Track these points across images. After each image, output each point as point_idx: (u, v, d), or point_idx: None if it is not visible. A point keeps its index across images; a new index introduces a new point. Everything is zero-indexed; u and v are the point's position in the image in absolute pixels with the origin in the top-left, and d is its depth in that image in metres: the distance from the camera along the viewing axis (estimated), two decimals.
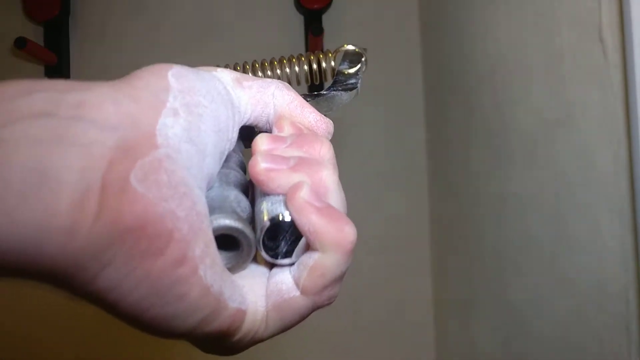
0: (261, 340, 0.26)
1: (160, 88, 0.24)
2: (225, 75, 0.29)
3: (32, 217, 0.19)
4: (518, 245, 0.67)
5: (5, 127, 0.20)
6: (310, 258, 0.25)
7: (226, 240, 0.25)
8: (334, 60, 0.71)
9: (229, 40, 1.06)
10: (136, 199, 0.21)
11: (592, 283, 0.52)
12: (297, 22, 1.07)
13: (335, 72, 0.42)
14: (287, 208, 0.25)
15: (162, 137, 0.22)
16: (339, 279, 0.26)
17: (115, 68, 0.91)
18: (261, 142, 0.28)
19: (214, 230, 0.24)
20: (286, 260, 0.26)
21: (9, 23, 1.04)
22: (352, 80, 0.39)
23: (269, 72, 0.72)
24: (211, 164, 0.25)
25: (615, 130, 0.47)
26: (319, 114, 0.31)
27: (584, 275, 0.53)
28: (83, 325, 0.97)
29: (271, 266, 0.27)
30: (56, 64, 1.02)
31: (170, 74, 0.25)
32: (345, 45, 0.47)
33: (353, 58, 0.43)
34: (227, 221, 0.24)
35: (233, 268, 0.26)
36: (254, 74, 0.74)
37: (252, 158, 0.27)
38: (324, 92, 0.37)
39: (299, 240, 0.26)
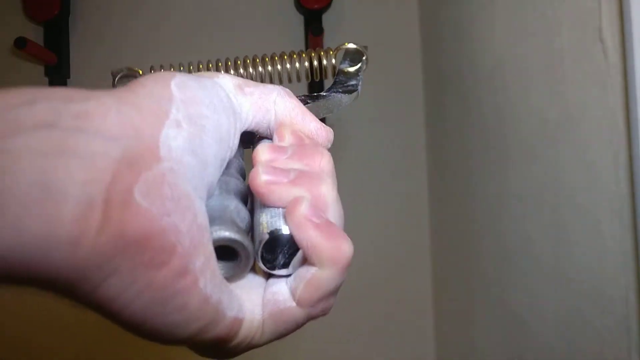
0: (257, 346, 0.27)
1: (163, 98, 0.24)
2: (227, 82, 0.29)
3: (36, 227, 0.19)
4: (518, 246, 0.67)
5: (8, 138, 0.20)
6: (307, 271, 0.26)
7: (225, 250, 0.25)
8: (335, 58, 0.71)
9: (229, 40, 1.06)
10: (140, 213, 0.21)
11: (592, 284, 0.52)
12: (297, 22, 1.07)
13: (336, 71, 0.42)
14: (286, 222, 0.26)
15: (165, 149, 0.23)
16: (334, 292, 0.27)
17: (115, 68, 0.91)
18: (262, 152, 0.28)
19: (214, 242, 0.24)
20: (283, 272, 0.27)
21: (9, 23, 1.04)
22: (353, 82, 0.39)
23: (269, 68, 0.72)
24: (212, 173, 0.25)
25: (615, 130, 0.47)
26: (319, 122, 0.31)
27: (584, 276, 0.53)
28: (84, 327, 0.97)
29: (268, 276, 0.28)
30: (56, 64, 1.02)
31: (173, 83, 0.25)
32: (346, 44, 0.47)
33: (354, 56, 0.43)
34: (226, 233, 0.25)
35: (231, 277, 0.26)
36: (254, 68, 0.73)
37: (253, 169, 0.27)
38: (324, 94, 0.37)
39: (297, 252, 0.26)
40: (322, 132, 0.31)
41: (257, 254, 0.26)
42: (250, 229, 0.28)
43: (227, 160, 0.27)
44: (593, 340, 0.52)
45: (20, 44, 0.90)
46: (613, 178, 0.48)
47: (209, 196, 0.26)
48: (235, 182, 0.29)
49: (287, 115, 0.30)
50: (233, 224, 0.25)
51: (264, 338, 0.27)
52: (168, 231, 0.22)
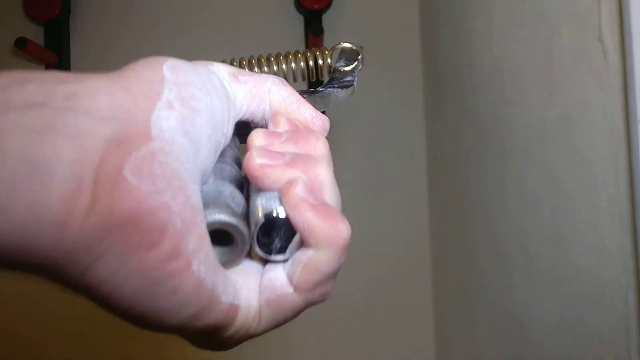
0: (254, 335, 0.26)
1: (155, 80, 0.24)
2: (221, 70, 0.29)
3: (23, 207, 0.19)
4: (517, 246, 0.67)
5: None
6: (304, 255, 0.25)
7: (220, 236, 0.25)
8: (331, 58, 0.71)
9: (229, 40, 1.06)
10: (129, 191, 0.21)
11: (591, 284, 0.52)
12: (297, 22, 1.07)
13: (332, 70, 0.42)
14: (281, 204, 0.25)
15: (157, 129, 0.22)
16: (332, 276, 0.26)
17: (115, 68, 0.91)
18: (256, 138, 0.28)
19: (208, 225, 0.24)
20: (280, 257, 0.26)
21: (9, 23, 1.04)
22: (349, 78, 0.39)
23: (265, 68, 0.72)
24: (206, 157, 0.25)
25: (615, 130, 0.47)
26: (315, 110, 0.31)
27: (583, 277, 0.53)
28: (79, 323, 0.97)
29: (265, 262, 0.27)
30: (56, 64, 1.02)
31: (165, 66, 0.25)
32: (342, 43, 0.47)
33: (350, 56, 0.43)
34: (221, 216, 0.24)
35: (227, 263, 0.26)
36: (251, 69, 0.73)
37: (247, 153, 0.27)
38: (320, 89, 0.37)
39: (293, 236, 0.26)
40: (318, 120, 0.31)
41: (253, 238, 0.26)
42: (246, 215, 0.27)
43: (221, 146, 0.27)
44: (593, 341, 0.52)
45: (21, 44, 0.90)
46: (612, 179, 0.48)
47: (204, 182, 0.26)
48: (230, 169, 0.28)
49: (282, 104, 0.30)
50: (228, 208, 0.25)
51: (261, 327, 0.26)
52: (158, 210, 0.21)
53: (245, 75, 0.29)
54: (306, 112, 0.31)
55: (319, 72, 0.72)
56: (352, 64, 0.41)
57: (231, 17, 1.07)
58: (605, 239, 0.49)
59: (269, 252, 0.26)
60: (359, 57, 0.43)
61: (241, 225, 0.25)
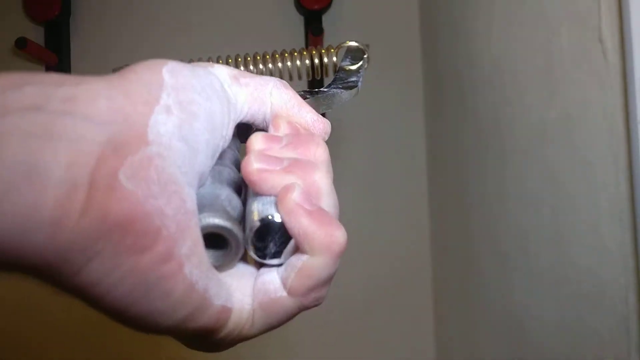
0: (247, 338, 0.26)
1: (154, 84, 0.24)
2: (222, 72, 0.28)
3: (18, 209, 0.19)
4: (517, 246, 0.67)
5: None
6: (299, 260, 0.25)
7: (215, 239, 0.25)
8: (336, 56, 0.71)
9: (230, 40, 1.06)
10: (124, 196, 0.21)
11: (591, 284, 0.52)
12: (297, 22, 1.07)
13: (337, 69, 0.41)
14: (277, 209, 0.25)
15: (154, 134, 0.22)
16: (327, 281, 0.26)
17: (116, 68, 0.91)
18: (255, 142, 0.28)
19: (203, 229, 0.24)
20: (274, 261, 0.26)
21: (9, 23, 1.04)
22: (353, 78, 0.39)
23: (270, 65, 0.72)
24: (203, 161, 0.25)
25: (615, 130, 0.47)
26: (316, 113, 0.31)
27: (583, 277, 0.53)
28: (81, 327, 0.97)
29: (259, 266, 0.27)
30: (56, 64, 1.02)
31: (165, 69, 0.25)
32: (347, 42, 0.46)
33: (355, 55, 0.43)
34: (215, 220, 0.24)
35: (221, 266, 0.26)
36: (255, 66, 0.73)
37: (246, 158, 0.27)
38: (324, 90, 0.37)
39: (289, 241, 0.26)
40: (319, 124, 0.31)
41: (247, 242, 0.26)
42: (242, 218, 0.27)
43: (220, 149, 0.27)
44: (593, 341, 0.52)
45: (21, 44, 0.90)
46: (612, 178, 0.48)
47: (201, 185, 0.26)
48: (228, 172, 0.28)
49: (283, 107, 0.30)
50: (223, 212, 0.25)
51: (255, 329, 0.26)
52: (152, 214, 0.21)
53: (246, 78, 0.29)
54: (307, 115, 0.30)
55: (324, 70, 0.72)
56: (357, 63, 0.41)
57: (231, 17, 1.07)
58: (605, 239, 0.49)
59: (264, 257, 0.26)
60: (365, 56, 0.42)
61: (236, 230, 0.25)
